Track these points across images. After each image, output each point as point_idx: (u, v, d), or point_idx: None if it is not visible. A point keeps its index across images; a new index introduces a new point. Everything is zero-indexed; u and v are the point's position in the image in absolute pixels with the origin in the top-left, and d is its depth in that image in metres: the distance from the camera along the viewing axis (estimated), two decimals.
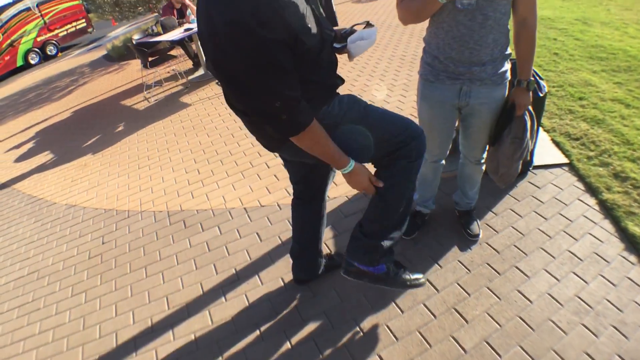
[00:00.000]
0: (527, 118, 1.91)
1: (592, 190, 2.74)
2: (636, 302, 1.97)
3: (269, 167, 3.54)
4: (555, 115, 3.65)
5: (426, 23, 1.81)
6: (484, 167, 2.23)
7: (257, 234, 2.82)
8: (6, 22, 14.57)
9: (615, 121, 3.57)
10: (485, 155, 2.18)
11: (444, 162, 2.25)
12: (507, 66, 1.82)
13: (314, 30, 1.32)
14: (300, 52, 1.27)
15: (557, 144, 3.23)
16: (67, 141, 5.44)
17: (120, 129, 5.26)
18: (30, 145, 5.81)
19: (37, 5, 15.31)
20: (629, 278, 2.10)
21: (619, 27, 6.59)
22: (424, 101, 1.98)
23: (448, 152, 2.20)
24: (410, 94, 4.36)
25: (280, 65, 1.21)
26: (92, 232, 3.31)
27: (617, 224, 2.46)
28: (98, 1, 10.65)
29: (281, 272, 2.46)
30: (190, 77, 6.43)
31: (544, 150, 3.13)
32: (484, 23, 1.63)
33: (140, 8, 10.70)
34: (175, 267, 2.70)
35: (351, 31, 1.59)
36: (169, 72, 6.94)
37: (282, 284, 2.38)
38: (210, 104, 5.20)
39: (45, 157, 5.14)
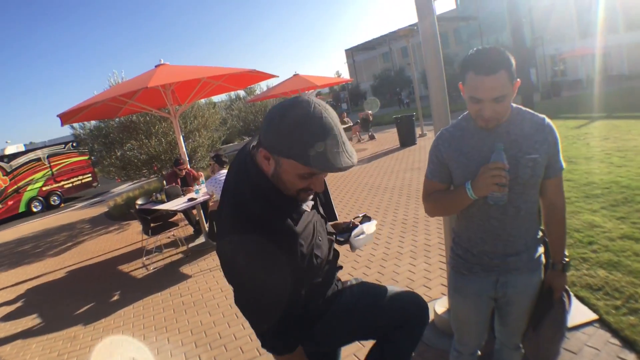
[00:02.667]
0: (565, 298, 1.82)
1: (629, 344, 2.53)
2: None
3: None
4: (570, 266, 3.52)
5: None
6: (522, 351, 2.04)
7: None
8: (16, 168, 15.57)
9: (630, 260, 3.48)
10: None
11: (479, 352, 2.06)
12: (541, 250, 1.77)
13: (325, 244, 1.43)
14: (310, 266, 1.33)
15: (581, 300, 3.07)
16: (57, 305, 5.20)
17: (115, 298, 5.04)
18: (18, 304, 5.56)
19: (47, 157, 16.37)
20: None
21: (604, 159, 6.84)
22: (457, 294, 1.88)
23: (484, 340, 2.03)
24: (418, 262, 4.27)
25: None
26: None
27: None
28: (106, 163, 11.21)
29: None
30: (191, 245, 6.41)
31: (570, 310, 2.97)
32: (517, 215, 1.62)
33: (145, 171, 11.25)
34: None
35: (352, 224, 1.75)
36: (169, 238, 6.93)
37: None
38: (211, 276, 5.03)
39: (32, 320, 4.85)
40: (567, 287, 1.84)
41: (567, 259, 1.77)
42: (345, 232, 1.71)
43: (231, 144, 25.33)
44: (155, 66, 6.46)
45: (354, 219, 1.81)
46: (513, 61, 1.47)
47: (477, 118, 1.56)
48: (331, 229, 1.62)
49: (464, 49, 34.80)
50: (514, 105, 1.63)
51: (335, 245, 1.64)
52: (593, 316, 2.86)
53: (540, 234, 1.78)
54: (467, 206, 1.67)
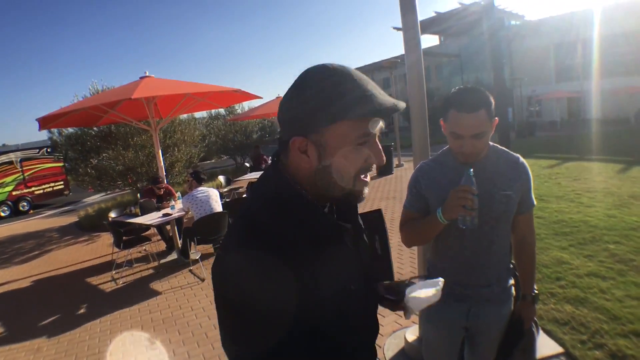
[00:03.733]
0: (534, 329, 1.88)
1: None
2: None
3: None
4: (539, 298, 3.60)
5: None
6: None
7: None
8: None
9: (596, 297, 3.59)
10: None
11: None
12: (512, 282, 1.84)
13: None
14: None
15: (548, 333, 3.15)
16: (21, 316, 5.00)
17: (82, 311, 4.87)
18: None
19: (20, 161, 15.84)
20: None
21: (574, 199, 7.09)
22: (429, 323, 1.92)
23: None
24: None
25: None
26: None
27: None
28: (81, 171, 10.95)
29: None
30: (162, 261, 6.28)
31: (538, 341, 3.05)
32: (490, 247, 1.70)
33: (119, 182, 11.04)
34: None
35: (408, 283, 1.28)
36: (140, 252, 6.78)
37: None
38: (182, 294, 4.94)
39: None
40: (535, 318, 1.90)
41: (536, 291, 1.84)
42: (396, 293, 1.28)
43: (208, 162, 25.16)
44: (140, 78, 6.43)
45: (410, 279, 1.36)
46: (492, 101, 1.56)
47: (458, 154, 1.64)
48: (382, 291, 1.24)
49: (444, 84, 35.80)
50: (491, 143, 1.72)
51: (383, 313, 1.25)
52: (559, 349, 2.94)
53: (511, 266, 1.85)
54: (442, 238, 1.72)
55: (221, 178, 11.47)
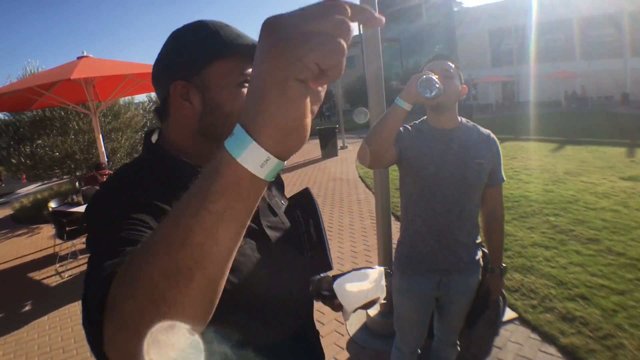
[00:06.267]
0: (500, 301, 1.98)
1: (548, 338, 2.81)
2: None
3: None
4: (506, 271, 3.83)
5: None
6: (459, 348, 2.17)
7: None
8: None
9: (542, 265, 3.85)
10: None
11: (419, 350, 2.15)
12: (480, 253, 1.92)
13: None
14: None
15: None
16: None
17: (27, 308, 4.57)
18: None
19: None
20: None
21: (512, 176, 7.50)
22: (401, 295, 1.96)
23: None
24: (347, 268, 4.32)
25: None
26: None
27: None
28: (15, 161, 10.15)
29: None
30: None
31: (505, 310, 3.25)
32: (460, 214, 1.76)
33: (57, 170, 10.36)
34: None
35: (339, 277, 1.08)
36: (85, 243, 6.38)
37: None
38: None
39: None
40: (503, 290, 2.01)
41: (504, 265, 1.95)
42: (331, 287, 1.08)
43: None
44: (78, 58, 6.02)
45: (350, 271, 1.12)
46: (459, 70, 1.72)
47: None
48: (316, 285, 1.12)
49: (384, 69, 36.37)
50: (463, 119, 1.83)
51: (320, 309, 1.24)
52: (513, 314, 3.13)
53: (479, 239, 1.93)
54: (414, 202, 1.79)
55: None
